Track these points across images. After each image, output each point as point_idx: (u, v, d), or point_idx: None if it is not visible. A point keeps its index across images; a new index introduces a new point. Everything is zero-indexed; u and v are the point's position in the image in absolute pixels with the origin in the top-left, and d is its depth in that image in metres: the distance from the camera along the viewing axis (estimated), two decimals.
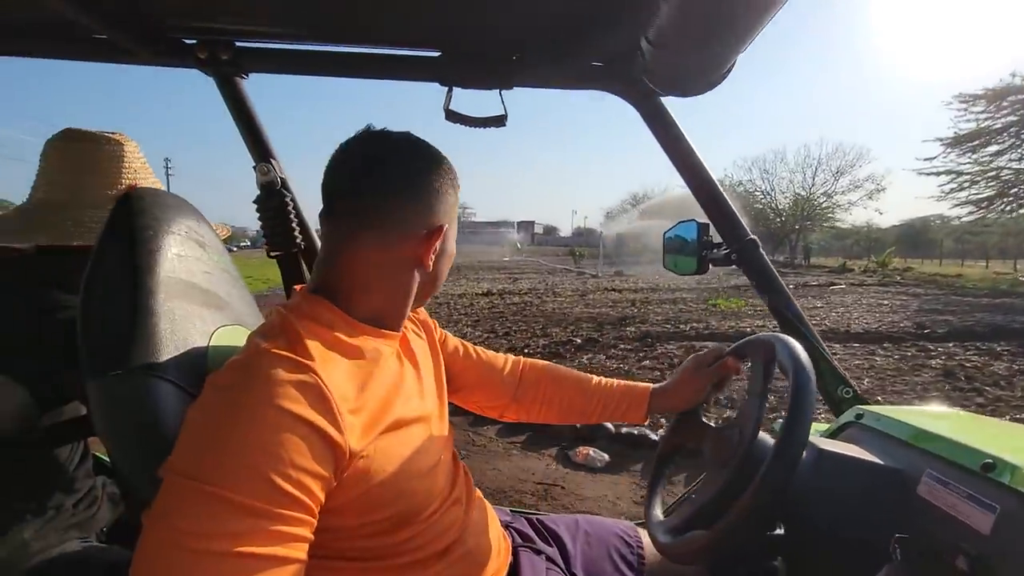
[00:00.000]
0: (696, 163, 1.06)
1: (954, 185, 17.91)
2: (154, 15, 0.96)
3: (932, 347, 5.48)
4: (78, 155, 0.95)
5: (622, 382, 0.95)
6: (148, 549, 0.45)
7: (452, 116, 1.04)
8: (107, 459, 1.06)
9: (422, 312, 0.85)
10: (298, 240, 1.18)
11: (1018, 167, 16.40)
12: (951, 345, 5.60)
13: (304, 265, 1.20)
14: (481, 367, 0.93)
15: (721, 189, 1.07)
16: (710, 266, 1.06)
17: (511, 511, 0.99)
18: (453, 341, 0.93)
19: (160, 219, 0.73)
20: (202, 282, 0.77)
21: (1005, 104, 15.95)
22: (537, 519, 0.95)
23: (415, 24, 0.95)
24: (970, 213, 18.32)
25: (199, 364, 0.67)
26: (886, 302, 9.70)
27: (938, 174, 18.11)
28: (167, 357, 0.65)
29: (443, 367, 0.85)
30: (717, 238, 1.08)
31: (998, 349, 5.40)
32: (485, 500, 0.83)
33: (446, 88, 1.04)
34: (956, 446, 0.69)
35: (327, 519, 0.54)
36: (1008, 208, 17.24)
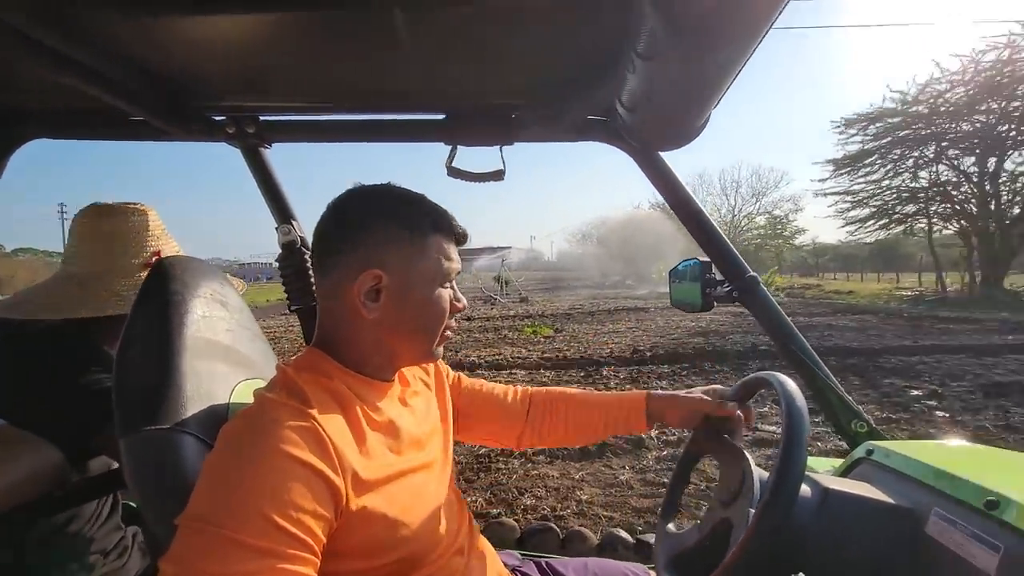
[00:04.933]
0: (692, 205, 1.12)
1: (846, 205, 18.65)
2: (187, 97, 1.05)
3: (592, 370, 6.09)
4: (108, 228, 1.02)
5: (619, 392, 0.97)
6: None
7: (454, 172, 1.12)
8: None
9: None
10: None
11: (880, 187, 17.41)
12: (606, 368, 6.15)
13: None
14: (493, 400, 0.97)
15: (718, 228, 1.13)
16: (714, 303, 1.09)
17: (521, 555, 1.05)
18: (466, 380, 0.98)
19: (188, 284, 0.78)
20: (224, 340, 0.81)
21: (871, 129, 16.78)
22: (547, 563, 0.99)
23: (421, 90, 1.04)
24: (849, 233, 19.19)
25: (221, 418, 0.68)
26: (669, 324, 10.14)
27: (825, 195, 18.95)
28: (192, 413, 0.68)
29: (451, 416, 0.88)
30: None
31: (621, 373, 5.92)
32: (490, 546, 0.85)
33: (450, 147, 1.13)
34: (961, 483, 0.68)
35: (336, 563, 0.58)
36: (882, 226, 17.97)
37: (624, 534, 2.38)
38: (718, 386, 0.93)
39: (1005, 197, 15.63)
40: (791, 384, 0.69)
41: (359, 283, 0.65)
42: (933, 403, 4.29)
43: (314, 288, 1.16)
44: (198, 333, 0.76)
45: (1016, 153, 15.02)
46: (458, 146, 1.13)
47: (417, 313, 0.69)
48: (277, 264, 1.29)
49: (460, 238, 0.73)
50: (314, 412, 0.58)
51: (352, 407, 0.64)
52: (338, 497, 0.56)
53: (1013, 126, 14.64)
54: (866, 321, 10.28)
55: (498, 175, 1.15)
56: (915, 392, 4.63)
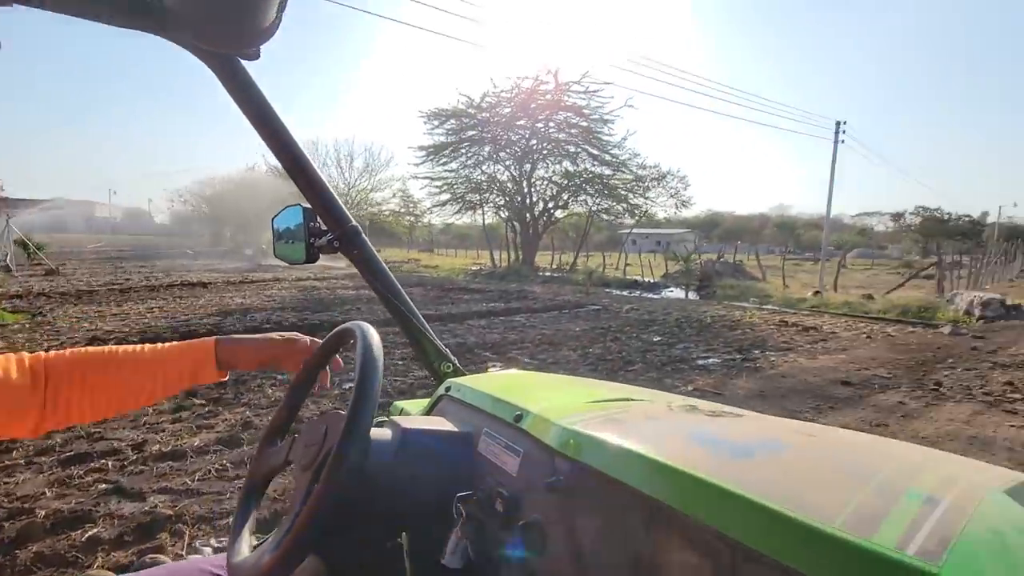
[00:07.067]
0: (287, 141, 0.96)
1: (434, 189, 21.27)
2: None
3: None
4: None
5: (178, 343, 0.84)
6: None
7: None
8: None
9: None
10: None
11: (458, 176, 20.87)
12: None
13: None
14: None
15: (319, 173, 1.01)
16: (319, 255, 1.02)
17: None
18: None
19: None
20: None
21: (449, 124, 19.58)
22: None
23: None
24: (436, 215, 22.53)
25: None
26: (194, 305, 9.53)
27: (417, 178, 21.38)
28: None
29: None
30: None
31: None
32: None
33: None
34: (501, 403, 0.79)
35: None
36: (457, 210, 21.63)
37: None
38: (298, 335, 0.90)
39: (535, 196, 20.77)
40: (370, 331, 0.70)
41: None
42: None
43: None
44: None
45: (542, 163, 20.13)
46: None
47: None
48: None
49: None
50: None
51: None
52: None
53: (536, 142, 19.47)
54: (412, 293, 11.61)
55: None
56: None
